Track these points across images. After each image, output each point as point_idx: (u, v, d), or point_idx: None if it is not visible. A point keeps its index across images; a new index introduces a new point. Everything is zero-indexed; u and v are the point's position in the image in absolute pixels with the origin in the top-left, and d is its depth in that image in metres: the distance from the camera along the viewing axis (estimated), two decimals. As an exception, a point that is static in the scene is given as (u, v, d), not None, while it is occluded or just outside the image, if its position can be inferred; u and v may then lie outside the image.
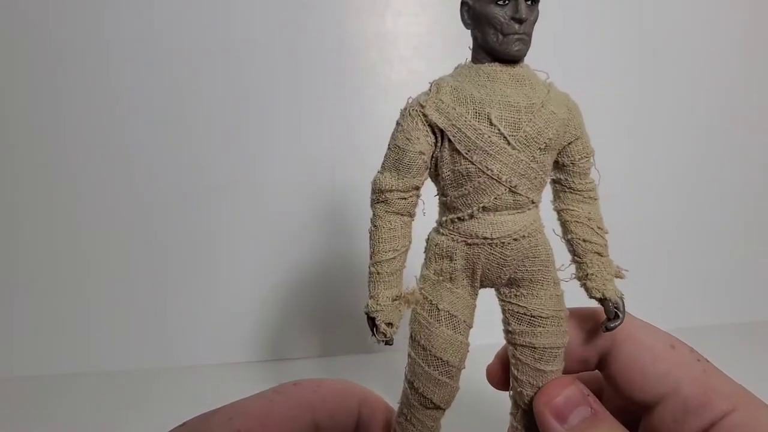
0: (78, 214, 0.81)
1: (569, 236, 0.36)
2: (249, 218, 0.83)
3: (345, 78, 0.83)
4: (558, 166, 0.36)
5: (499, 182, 0.33)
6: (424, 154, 0.34)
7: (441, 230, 0.35)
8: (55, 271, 0.82)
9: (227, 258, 0.84)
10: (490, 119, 0.32)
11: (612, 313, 0.34)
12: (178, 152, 0.82)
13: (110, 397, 0.73)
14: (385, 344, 0.34)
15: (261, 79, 0.81)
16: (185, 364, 0.82)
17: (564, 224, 0.36)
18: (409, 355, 0.36)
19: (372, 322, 0.33)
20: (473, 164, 0.32)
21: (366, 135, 0.83)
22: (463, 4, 0.35)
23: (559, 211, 0.37)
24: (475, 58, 0.35)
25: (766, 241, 0.95)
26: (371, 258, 0.35)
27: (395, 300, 0.34)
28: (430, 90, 0.34)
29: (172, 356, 0.83)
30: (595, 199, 0.36)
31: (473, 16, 0.34)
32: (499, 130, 0.32)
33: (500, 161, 0.32)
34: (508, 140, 0.32)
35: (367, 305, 0.34)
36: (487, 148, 0.32)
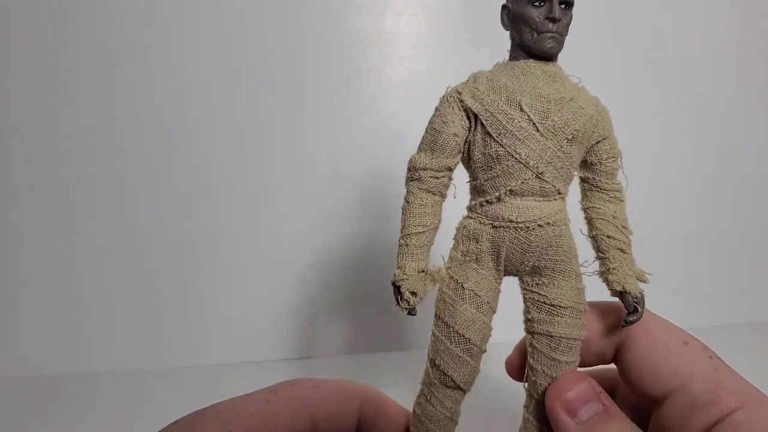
0: (78, 213, 0.81)
1: (594, 233, 0.37)
2: (250, 218, 0.83)
3: (345, 77, 0.83)
4: (586, 165, 0.38)
5: (527, 167, 0.34)
6: (458, 136, 0.35)
7: (470, 214, 0.37)
8: (54, 270, 0.82)
9: (228, 257, 0.84)
10: (521, 106, 0.34)
11: (631, 306, 0.35)
12: (180, 152, 0.81)
13: (110, 397, 0.73)
14: (408, 313, 0.34)
15: (261, 78, 0.81)
16: (185, 364, 0.82)
17: (590, 221, 0.38)
18: (433, 334, 0.37)
19: (397, 290, 0.35)
20: (503, 147, 0.34)
21: (366, 134, 0.83)
22: (503, 7, 0.37)
23: (585, 209, 0.38)
24: (512, 56, 0.37)
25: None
26: (401, 231, 0.36)
27: (421, 272, 0.36)
28: (468, 80, 0.37)
29: (172, 356, 0.82)
30: (622, 201, 0.38)
31: (512, 18, 0.36)
32: (528, 116, 0.34)
33: (529, 146, 0.34)
34: (537, 127, 0.34)
35: (394, 275, 0.35)
36: (516, 133, 0.34)
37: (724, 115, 0.92)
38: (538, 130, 0.34)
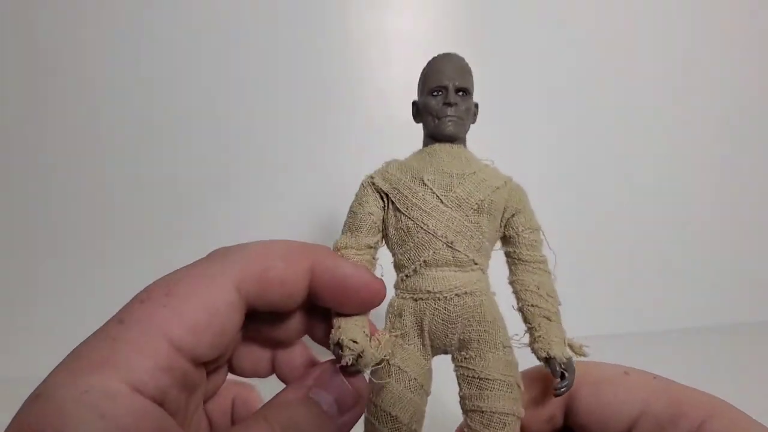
0: (78, 215, 0.81)
1: (520, 304, 0.38)
2: (243, 222, 0.83)
3: (345, 78, 0.83)
4: (506, 239, 0.39)
5: (436, 237, 0.36)
6: (373, 215, 0.38)
7: (396, 292, 0.38)
8: (54, 271, 0.82)
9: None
10: (423, 180, 0.37)
11: (557, 373, 0.34)
12: (175, 154, 0.83)
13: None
14: (353, 365, 0.32)
15: (260, 79, 0.82)
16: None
17: (516, 294, 0.38)
18: (365, 416, 0.36)
19: (338, 346, 0.32)
20: (412, 220, 0.36)
21: (365, 135, 0.84)
22: (413, 104, 0.41)
23: (512, 283, 0.39)
24: (424, 145, 0.40)
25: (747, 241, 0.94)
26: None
27: (362, 329, 0.34)
28: (381, 166, 0.40)
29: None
30: (546, 272, 0.38)
31: (419, 111, 0.40)
32: (432, 190, 0.36)
33: (435, 218, 0.36)
34: (441, 200, 0.36)
35: (331, 336, 0.33)
36: (422, 206, 0.36)
37: (688, 112, 0.92)
38: (442, 202, 0.36)
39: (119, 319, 0.27)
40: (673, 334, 0.85)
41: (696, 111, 0.92)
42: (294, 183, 0.84)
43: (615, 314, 0.86)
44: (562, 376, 0.34)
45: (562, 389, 0.34)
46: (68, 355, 0.25)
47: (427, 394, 0.37)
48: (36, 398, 0.24)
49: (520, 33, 0.86)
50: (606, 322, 0.83)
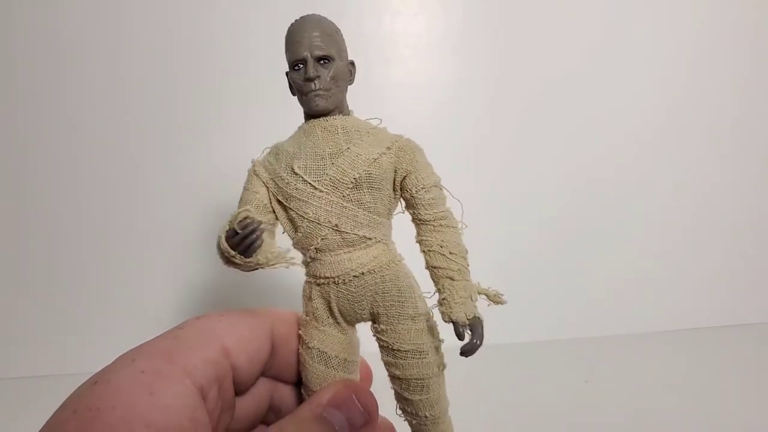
0: (78, 218, 0.82)
1: (427, 266, 0.37)
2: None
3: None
4: (406, 201, 0.38)
5: (320, 224, 0.35)
6: (258, 193, 0.37)
7: (305, 275, 0.38)
8: (54, 273, 0.82)
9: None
10: (293, 169, 0.35)
11: (461, 335, 0.34)
12: (169, 151, 0.83)
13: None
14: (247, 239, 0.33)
15: (258, 80, 0.82)
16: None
17: (423, 255, 0.37)
18: (302, 394, 0.38)
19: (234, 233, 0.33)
20: (293, 211, 0.36)
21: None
22: (287, 74, 0.39)
23: (418, 243, 0.38)
24: (305, 119, 0.38)
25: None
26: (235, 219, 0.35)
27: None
28: (264, 152, 0.39)
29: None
30: (449, 227, 0.37)
31: (290, 86, 0.38)
32: (303, 178, 0.35)
33: (313, 205, 0.35)
34: (314, 186, 0.35)
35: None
36: (297, 196, 0.35)
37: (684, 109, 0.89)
38: (316, 188, 0.35)
39: (180, 326, 0.32)
40: (673, 334, 0.85)
41: (695, 106, 0.91)
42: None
43: (615, 314, 0.86)
44: (463, 337, 0.34)
45: (465, 350, 0.33)
46: (130, 350, 0.29)
47: (357, 361, 0.38)
48: (93, 383, 0.27)
49: (514, 31, 0.86)
50: (606, 322, 0.83)
